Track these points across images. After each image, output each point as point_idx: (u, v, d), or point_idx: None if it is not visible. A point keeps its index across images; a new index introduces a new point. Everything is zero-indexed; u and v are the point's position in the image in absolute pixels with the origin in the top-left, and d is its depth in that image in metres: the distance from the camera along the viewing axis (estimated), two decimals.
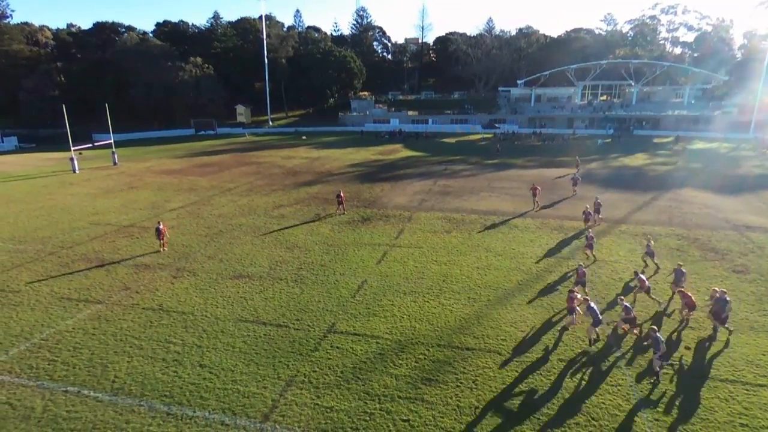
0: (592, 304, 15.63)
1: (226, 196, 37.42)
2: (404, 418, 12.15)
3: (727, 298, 15.74)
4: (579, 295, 16.90)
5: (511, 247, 24.95)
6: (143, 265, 22.67)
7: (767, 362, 14.52)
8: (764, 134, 70.00)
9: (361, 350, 15.25)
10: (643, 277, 18.22)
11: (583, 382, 13.57)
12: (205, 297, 19.22)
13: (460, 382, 13.58)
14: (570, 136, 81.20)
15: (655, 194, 37.43)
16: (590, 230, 25.62)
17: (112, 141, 57.50)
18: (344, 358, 14.81)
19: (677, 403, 12.69)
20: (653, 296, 17.98)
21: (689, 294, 16.73)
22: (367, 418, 12.10)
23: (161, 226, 24.65)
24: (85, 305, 18.48)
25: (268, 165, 53.75)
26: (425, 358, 14.79)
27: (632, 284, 19.48)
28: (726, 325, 15.85)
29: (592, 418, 12.11)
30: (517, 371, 14.14)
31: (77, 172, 49.26)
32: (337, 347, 15.45)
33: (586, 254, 23.37)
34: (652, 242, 22.62)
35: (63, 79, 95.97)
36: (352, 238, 26.59)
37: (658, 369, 13.57)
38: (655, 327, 14.29)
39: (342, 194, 32.16)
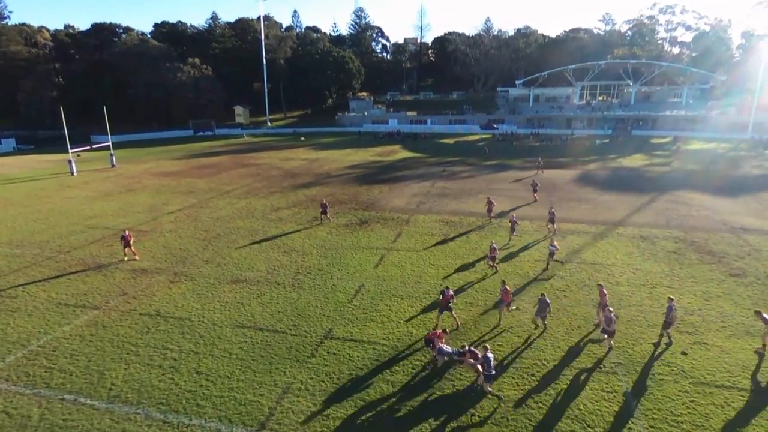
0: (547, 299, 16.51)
1: (224, 199, 37.42)
2: (398, 427, 12.16)
3: (674, 306, 15.54)
4: (507, 287, 17.38)
5: (509, 251, 24.97)
6: (141, 270, 22.67)
7: (764, 368, 14.55)
8: (762, 134, 70.08)
9: (357, 356, 15.26)
10: (603, 291, 17.10)
11: (578, 388, 13.59)
12: (202, 302, 19.22)
13: (457, 389, 13.60)
14: (568, 136, 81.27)
15: (652, 196, 37.48)
16: (547, 231, 25.07)
17: (110, 143, 57.43)
18: (341, 365, 14.82)
19: (672, 409, 12.72)
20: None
21: (605, 292, 16.88)
22: (362, 424, 12.12)
23: (127, 234, 23.78)
24: (82, 311, 18.48)
25: (267, 166, 53.75)
26: (421, 365, 14.80)
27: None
28: (668, 331, 15.70)
29: (588, 425, 12.14)
30: (513, 377, 14.15)
31: (75, 174, 49.23)
32: (334, 353, 15.46)
33: (513, 237, 25.73)
34: (556, 243, 23.25)
35: (61, 80, 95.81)
36: (350, 242, 26.60)
37: (489, 389, 13.19)
38: (487, 346, 13.65)
39: (326, 202, 31.02)
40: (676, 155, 60.66)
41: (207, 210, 33.90)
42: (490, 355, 13.07)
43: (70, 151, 52.18)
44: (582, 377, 14.15)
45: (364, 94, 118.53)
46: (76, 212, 33.62)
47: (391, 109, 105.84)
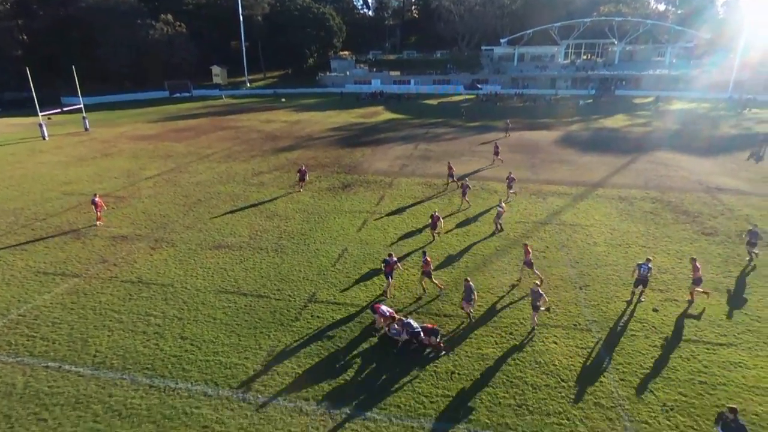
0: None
1: (204, 163, 36.70)
2: (383, 384, 12.56)
3: (540, 291, 14.67)
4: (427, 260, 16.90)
5: (491, 213, 25.22)
6: (120, 237, 22.38)
7: (728, 322, 15.28)
8: (742, 94, 70.65)
9: (341, 319, 15.53)
10: (528, 249, 17.71)
11: (554, 346, 14.13)
12: (184, 268, 19.17)
13: (438, 349, 14.00)
14: (552, 97, 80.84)
15: (632, 157, 37.91)
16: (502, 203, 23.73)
17: (82, 105, 55.25)
18: (325, 328, 15.08)
19: (642, 363, 13.36)
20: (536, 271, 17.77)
21: (529, 251, 17.51)
22: (347, 386, 12.48)
23: (97, 199, 23.49)
24: (62, 279, 18.30)
25: (247, 129, 52.57)
26: None
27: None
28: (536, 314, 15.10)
29: (561, 380, 12.71)
30: (492, 336, 14.62)
31: (47, 138, 47.49)
32: (318, 317, 15.70)
33: (464, 201, 25.92)
34: (503, 205, 22.95)
35: (25, 38, 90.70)
36: (333, 206, 26.53)
37: (470, 311, 15.18)
38: (468, 278, 15.41)
39: (305, 168, 29.72)
40: (656, 115, 60.98)
41: (186, 175, 33.27)
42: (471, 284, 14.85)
43: (40, 114, 50.11)
44: (558, 335, 14.68)
45: (346, 53, 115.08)
46: (50, 178, 32.68)
47: (374, 69, 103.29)
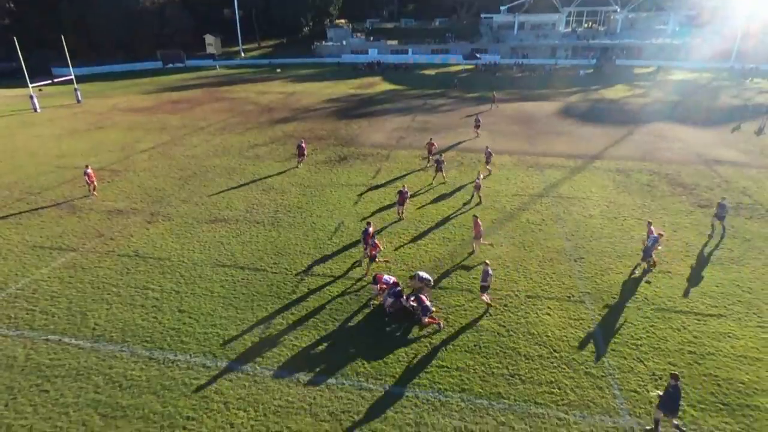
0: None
1: (199, 136, 36.30)
2: (378, 355, 12.79)
3: (490, 271, 14.46)
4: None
5: (487, 185, 25.15)
6: (116, 211, 22.32)
7: (719, 293, 15.49)
8: (744, 63, 69.55)
9: (338, 292, 15.67)
10: (478, 221, 17.83)
11: (548, 317, 14.35)
12: (181, 242, 19.21)
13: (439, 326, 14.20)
14: (552, 66, 79.53)
15: (631, 128, 37.61)
16: (480, 175, 24.33)
17: (73, 76, 54.17)
18: (321, 301, 15.25)
19: (633, 334, 13.60)
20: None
21: (479, 223, 17.64)
22: (343, 357, 12.71)
23: (89, 170, 23.56)
24: (59, 253, 18.34)
25: (242, 101, 51.80)
26: None
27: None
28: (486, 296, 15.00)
29: (554, 350, 12.95)
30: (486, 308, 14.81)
31: (39, 111, 46.75)
32: (315, 289, 15.84)
33: (440, 175, 25.45)
34: (482, 175, 23.42)
35: (13, 6, 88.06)
36: (329, 179, 26.41)
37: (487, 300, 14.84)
38: (487, 261, 14.92)
39: (304, 144, 28.92)
40: (655, 86, 60.13)
41: (181, 148, 32.94)
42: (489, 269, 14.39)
43: (30, 85, 49.16)
44: (552, 306, 14.88)
45: (343, 22, 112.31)
46: (43, 152, 32.33)
47: (371, 38, 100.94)
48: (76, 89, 52.24)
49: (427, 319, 13.85)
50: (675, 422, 10.35)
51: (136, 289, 15.89)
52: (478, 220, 17.78)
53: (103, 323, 14.14)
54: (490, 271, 14.36)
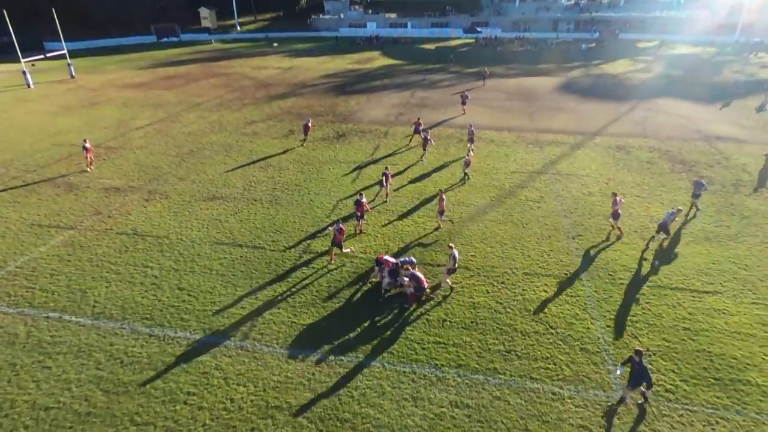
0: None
1: (195, 112, 35.87)
2: (376, 332, 12.93)
3: (455, 254, 14.14)
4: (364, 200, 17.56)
5: (486, 163, 25.05)
6: (113, 188, 22.22)
7: (716, 270, 15.59)
8: (749, 37, 68.37)
9: (336, 269, 15.74)
10: (442, 196, 17.94)
11: (544, 294, 14.46)
12: (179, 220, 19.18)
13: (430, 298, 14.31)
14: (553, 40, 78.16)
15: (633, 104, 37.23)
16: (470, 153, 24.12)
17: (65, 51, 53.17)
18: (320, 278, 15.32)
19: (628, 310, 13.73)
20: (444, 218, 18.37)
21: (443, 198, 17.79)
22: (341, 334, 12.85)
23: (87, 144, 23.92)
24: (57, 231, 18.32)
25: (238, 76, 51.02)
26: None
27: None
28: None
29: (550, 327, 13.09)
30: (483, 285, 14.91)
31: (32, 87, 46.00)
32: (313, 267, 15.90)
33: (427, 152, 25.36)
34: (472, 152, 23.34)
35: None
36: (327, 156, 26.23)
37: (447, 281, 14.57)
38: (451, 245, 14.45)
39: (310, 123, 28.36)
40: (657, 61, 59.19)
41: (178, 124, 32.59)
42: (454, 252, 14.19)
43: (22, 60, 48.31)
44: (549, 283, 14.98)
45: None
46: (38, 129, 31.97)
47: (369, 11, 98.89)
48: (69, 64, 51.32)
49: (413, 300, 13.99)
50: (647, 392, 10.55)
51: (135, 267, 15.93)
52: (443, 195, 17.87)
53: (102, 301, 14.23)
54: (456, 254, 14.17)
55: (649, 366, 11.65)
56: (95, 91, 44.28)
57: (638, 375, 10.14)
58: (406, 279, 13.82)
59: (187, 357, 12.02)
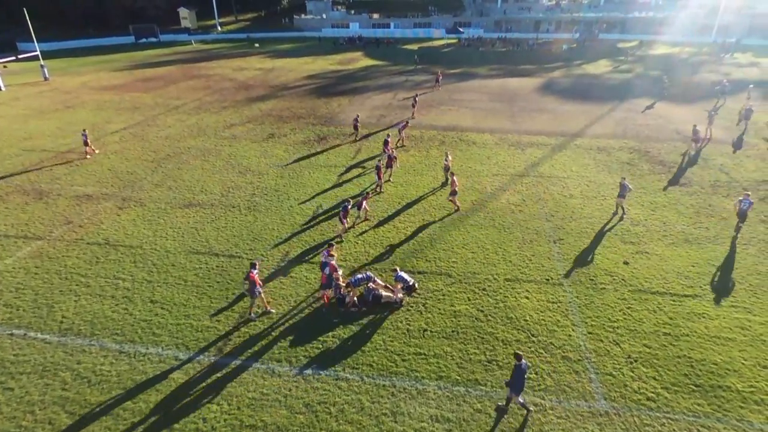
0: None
1: (173, 115, 35.10)
2: (355, 344, 12.62)
3: (401, 276, 14.18)
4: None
5: (468, 165, 24.91)
6: (85, 196, 21.51)
7: (695, 273, 15.62)
8: (726, 38, 69.63)
9: (315, 279, 15.37)
10: (454, 179, 19.52)
11: (526, 300, 14.30)
12: (153, 229, 18.61)
13: (410, 306, 14.06)
14: (535, 41, 78.67)
15: (612, 105, 37.50)
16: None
17: (38, 52, 51.71)
18: (298, 287, 14.95)
19: (610, 316, 13.64)
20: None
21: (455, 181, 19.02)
22: (320, 347, 12.51)
23: (87, 139, 25.99)
24: (24, 242, 17.62)
25: (218, 78, 50.19)
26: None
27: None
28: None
29: (532, 335, 12.93)
30: (465, 292, 14.70)
31: (3, 89, 44.61)
32: (292, 276, 15.52)
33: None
34: (450, 156, 22.80)
35: None
36: (308, 160, 25.82)
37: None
38: (396, 267, 14.66)
39: (358, 123, 29.15)
40: (634, 61, 59.87)
41: (154, 128, 31.82)
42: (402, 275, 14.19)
43: None
44: (530, 289, 14.83)
45: None
46: (8, 133, 30.92)
47: (352, 11, 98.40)
48: (42, 66, 49.94)
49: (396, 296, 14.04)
50: (520, 400, 10.36)
51: (106, 279, 15.37)
52: (455, 177, 19.58)
53: (71, 316, 13.66)
54: (404, 276, 14.19)
55: (631, 374, 11.59)
56: (69, 93, 43.09)
57: (517, 379, 10.01)
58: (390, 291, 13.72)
59: (158, 375, 11.56)
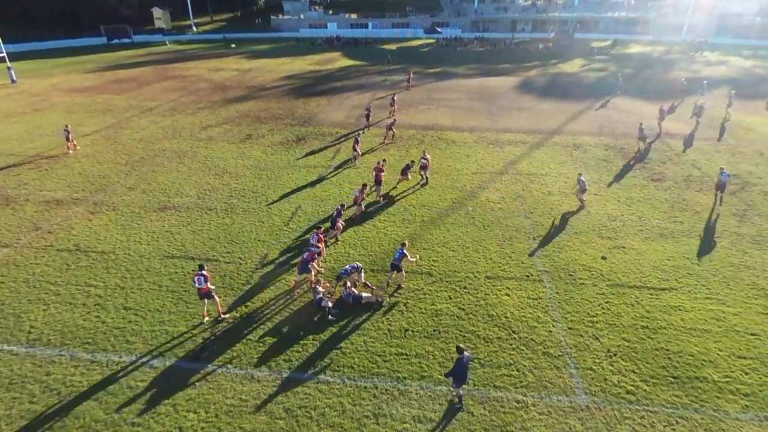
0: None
1: (147, 117, 34.30)
2: (336, 346, 12.44)
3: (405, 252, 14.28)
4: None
5: (447, 164, 24.94)
6: (55, 201, 20.81)
7: (671, 267, 15.89)
8: (695, 37, 71.51)
9: (294, 282, 15.11)
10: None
11: (506, 298, 14.33)
12: (127, 233, 18.09)
13: (391, 306, 13.93)
14: (511, 40, 79.54)
15: (588, 103, 38.07)
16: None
17: (4, 53, 50.00)
18: (278, 291, 14.70)
19: (589, 311, 13.76)
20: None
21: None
22: (300, 350, 12.29)
23: (69, 135, 26.70)
24: None
25: (194, 79, 49.31)
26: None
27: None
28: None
29: (513, 331, 12.95)
30: (446, 291, 14.65)
31: None
32: (270, 279, 15.25)
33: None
34: (427, 155, 22.76)
35: None
36: (286, 161, 25.50)
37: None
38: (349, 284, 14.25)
39: (370, 112, 31.36)
40: (607, 60, 61.01)
41: (128, 131, 31.03)
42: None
43: None
44: (511, 286, 14.87)
45: None
46: None
47: (330, 12, 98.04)
48: (9, 68, 48.26)
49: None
50: (460, 392, 10.66)
51: (77, 287, 14.84)
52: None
53: (39, 326, 13.14)
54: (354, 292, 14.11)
55: (611, 367, 11.69)
56: (38, 96, 41.75)
57: (459, 371, 10.22)
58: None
59: (132, 383, 11.19)
